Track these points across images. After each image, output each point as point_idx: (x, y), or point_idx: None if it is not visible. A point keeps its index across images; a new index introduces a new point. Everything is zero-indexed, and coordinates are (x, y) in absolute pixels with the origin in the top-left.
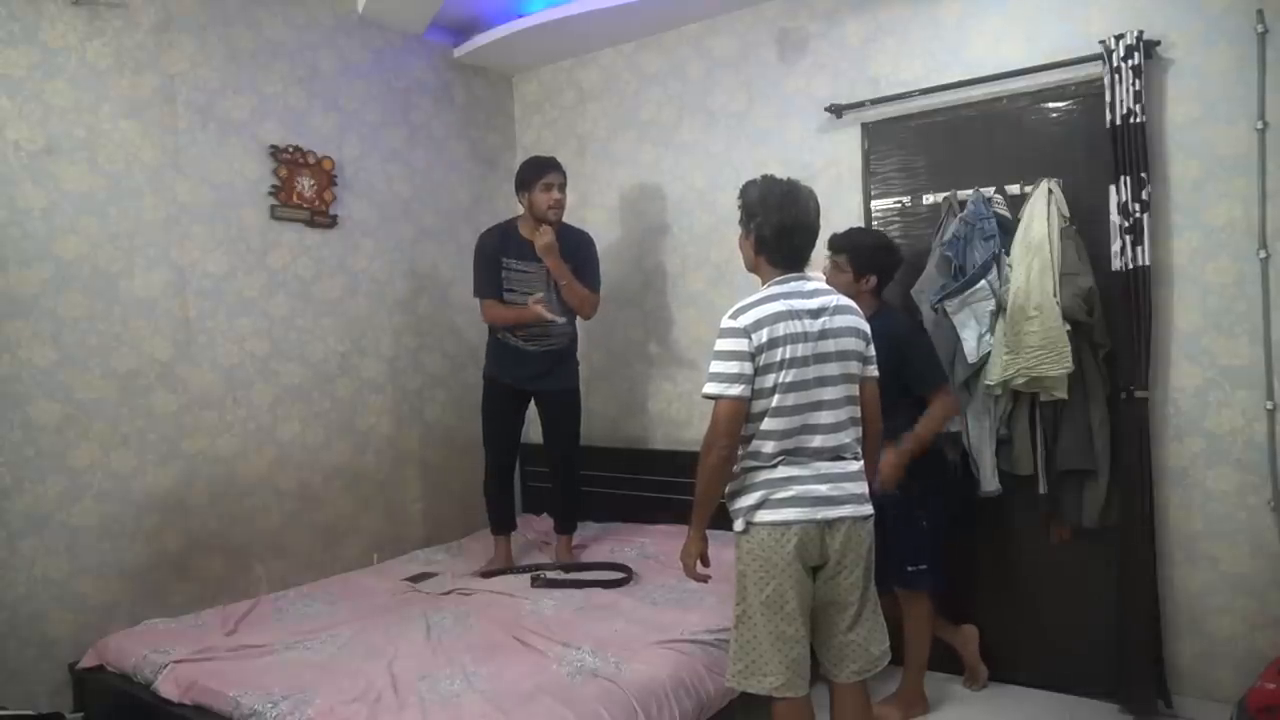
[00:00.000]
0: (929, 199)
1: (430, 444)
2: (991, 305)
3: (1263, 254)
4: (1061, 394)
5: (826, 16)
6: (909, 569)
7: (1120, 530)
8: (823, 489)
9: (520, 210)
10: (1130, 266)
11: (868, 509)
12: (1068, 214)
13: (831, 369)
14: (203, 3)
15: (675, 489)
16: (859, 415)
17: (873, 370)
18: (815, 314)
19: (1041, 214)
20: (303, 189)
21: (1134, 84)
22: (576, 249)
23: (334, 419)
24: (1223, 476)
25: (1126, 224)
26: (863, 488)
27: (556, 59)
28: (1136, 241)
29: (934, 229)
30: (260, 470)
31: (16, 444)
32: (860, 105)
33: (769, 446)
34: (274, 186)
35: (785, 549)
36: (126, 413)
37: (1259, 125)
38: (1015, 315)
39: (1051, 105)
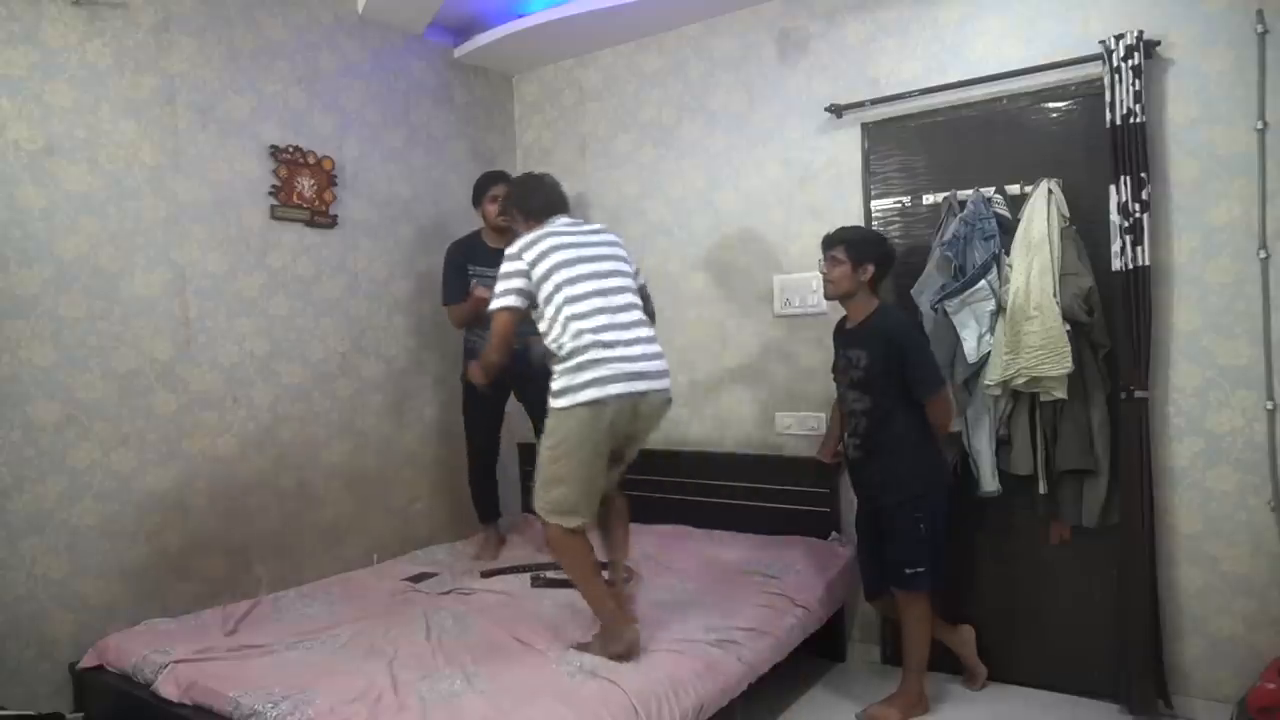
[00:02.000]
0: (929, 199)
1: (430, 444)
2: (991, 305)
3: (1263, 254)
4: (1061, 394)
5: (826, 17)
6: (907, 571)
7: (1120, 530)
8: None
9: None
10: (1130, 266)
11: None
12: (1068, 214)
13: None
14: (203, 3)
15: (675, 489)
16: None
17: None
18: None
19: (1041, 214)
20: (303, 189)
21: (1134, 84)
22: None
23: (334, 419)
24: (1223, 476)
25: (1126, 224)
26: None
27: (556, 59)
28: (1136, 241)
29: (934, 229)
30: (260, 470)
31: (16, 444)
32: (860, 105)
33: None
34: (274, 186)
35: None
36: (126, 413)
37: (1259, 125)
38: (1015, 315)
39: (1051, 105)
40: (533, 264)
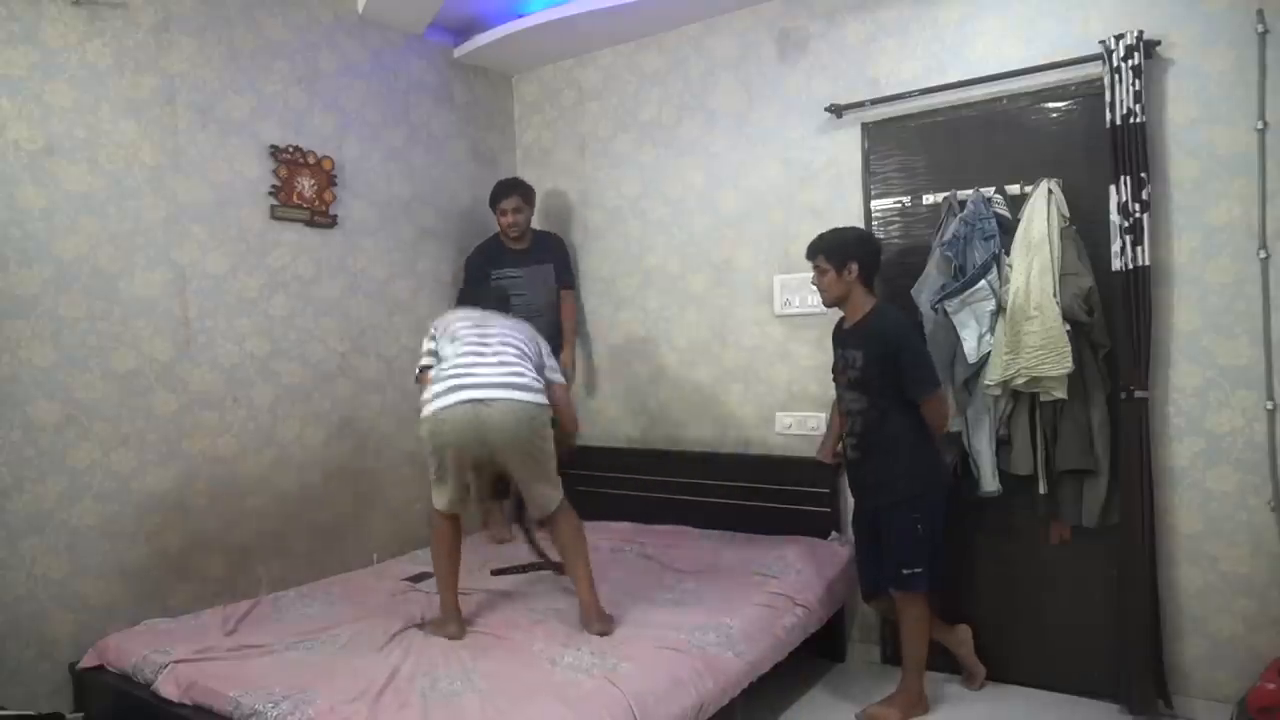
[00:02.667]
0: (929, 199)
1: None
2: (991, 305)
3: (1263, 254)
4: (1061, 394)
5: (826, 16)
6: (904, 571)
7: (1120, 530)
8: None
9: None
10: (1130, 266)
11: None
12: (1068, 214)
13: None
14: (203, 3)
15: (675, 489)
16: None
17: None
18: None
19: (1041, 214)
20: (303, 189)
21: (1134, 84)
22: (553, 250)
23: (334, 419)
24: (1223, 476)
25: (1126, 224)
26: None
27: (556, 59)
28: (1136, 241)
29: (934, 229)
30: (260, 470)
31: (16, 444)
32: (860, 105)
33: None
34: (274, 186)
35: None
36: (126, 413)
37: (1259, 125)
38: (1015, 315)
39: (1051, 105)
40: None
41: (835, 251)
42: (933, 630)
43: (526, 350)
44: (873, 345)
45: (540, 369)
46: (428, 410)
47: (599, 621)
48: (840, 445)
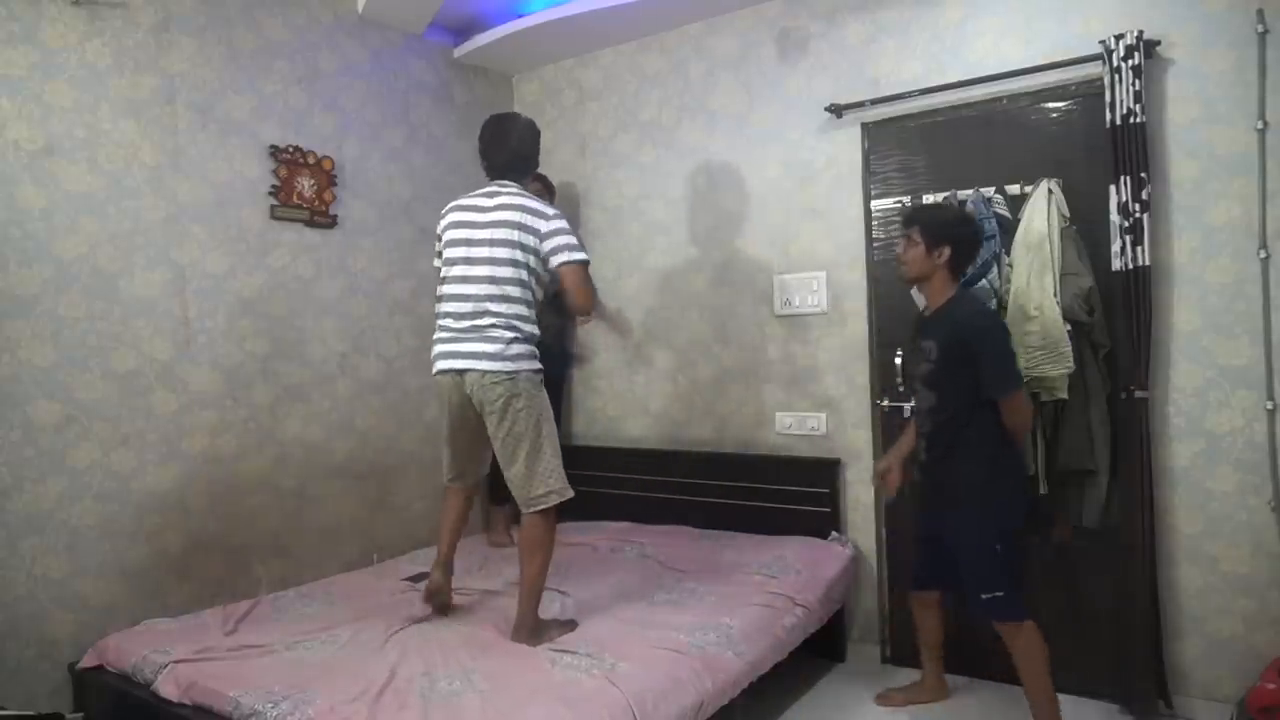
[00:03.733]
0: (929, 199)
1: (430, 444)
2: (992, 305)
3: (1263, 254)
4: (1062, 394)
5: (826, 16)
6: (983, 596)
7: (1120, 530)
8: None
9: None
10: (1130, 266)
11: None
12: (1068, 214)
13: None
14: (203, 3)
15: (675, 489)
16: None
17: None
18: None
19: (1041, 214)
20: (303, 189)
21: (1134, 84)
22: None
23: (334, 419)
24: (1223, 476)
25: (1126, 224)
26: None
27: (557, 59)
28: (1136, 241)
29: None
30: (260, 470)
31: (16, 444)
32: (860, 105)
33: None
34: (274, 186)
35: None
36: (126, 413)
37: (1259, 125)
38: (1015, 315)
39: (1051, 105)
40: (439, 234)
41: (932, 227)
42: (920, 617)
43: (519, 252)
44: (948, 335)
45: (544, 259)
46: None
47: (528, 635)
48: (904, 468)
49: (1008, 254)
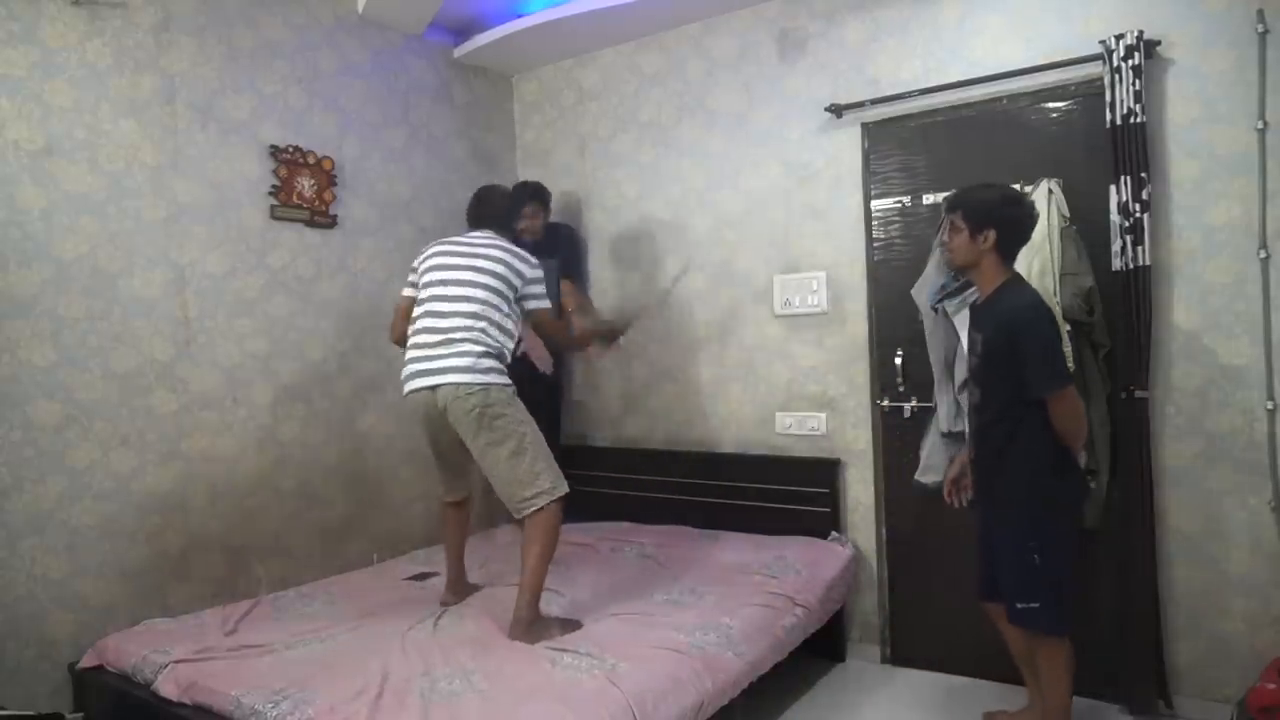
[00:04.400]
0: (929, 199)
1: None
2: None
3: (1263, 254)
4: None
5: (826, 16)
6: (1018, 605)
7: (1120, 530)
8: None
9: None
10: (1130, 266)
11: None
12: (1068, 214)
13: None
14: (203, 3)
15: (675, 489)
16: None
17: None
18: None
19: (1042, 214)
20: (303, 189)
21: (1134, 84)
22: (560, 244)
23: (334, 419)
24: (1223, 476)
25: (1126, 224)
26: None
27: (556, 59)
28: (1136, 241)
29: (934, 229)
30: (260, 470)
31: (16, 444)
32: (860, 105)
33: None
34: (274, 186)
35: None
36: (126, 413)
37: (1259, 125)
38: None
39: (1051, 105)
40: (415, 267)
41: (976, 212)
42: (1006, 634)
43: (499, 282)
44: (994, 327)
45: (520, 300)
46: (404, 388)
47: (524, 631)
48: (962, 477)
49: None
